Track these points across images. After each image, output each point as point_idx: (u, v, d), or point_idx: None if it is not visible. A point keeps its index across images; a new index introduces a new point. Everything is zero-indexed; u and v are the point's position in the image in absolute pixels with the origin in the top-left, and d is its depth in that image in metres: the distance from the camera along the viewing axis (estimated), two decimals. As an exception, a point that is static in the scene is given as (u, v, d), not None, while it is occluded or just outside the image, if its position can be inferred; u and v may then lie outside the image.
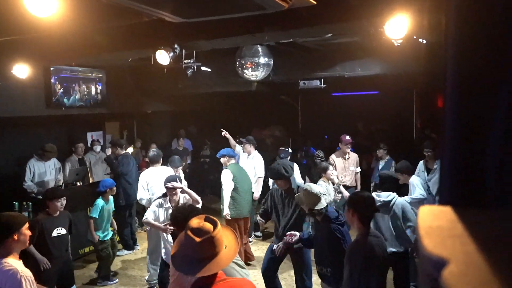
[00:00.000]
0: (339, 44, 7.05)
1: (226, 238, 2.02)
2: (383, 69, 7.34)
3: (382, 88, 10.24)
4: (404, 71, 7.43)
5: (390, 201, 4.40)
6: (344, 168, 7.08)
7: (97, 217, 5.61)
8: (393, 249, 4.34)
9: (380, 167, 7.63)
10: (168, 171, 6.05)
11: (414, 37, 4.73)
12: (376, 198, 4.43)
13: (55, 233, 4.61)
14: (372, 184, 7.58)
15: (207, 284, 1.94)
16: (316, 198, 3.69)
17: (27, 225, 2.73)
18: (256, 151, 7.29)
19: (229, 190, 6.06)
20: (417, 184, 5.22)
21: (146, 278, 5.69)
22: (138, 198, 5.98)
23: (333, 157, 7.19)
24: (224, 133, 7.36)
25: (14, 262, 2.58)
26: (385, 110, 10.84)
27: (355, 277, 2.93)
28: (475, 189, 0.94)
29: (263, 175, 7.08)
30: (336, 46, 7.23)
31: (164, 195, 4.88)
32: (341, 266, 3.32)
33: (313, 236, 4.03)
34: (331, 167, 6.25)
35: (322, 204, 3.71)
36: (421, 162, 6.48)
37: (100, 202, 5.69)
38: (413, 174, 5.25)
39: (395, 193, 4.49)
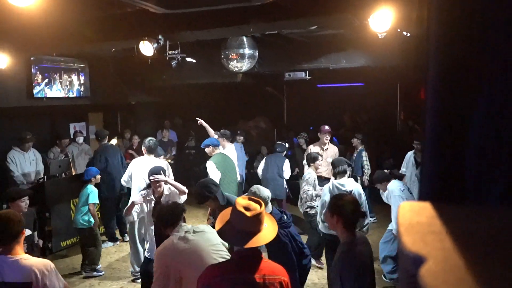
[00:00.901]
0: (324, 36, 7.06)
1: (267, 217, 2.30)
2: (367, 61, 7.39)
3: (367, 80, 10.33)
4: (388, 64, 7.50)
5: (352, 190, 4.63)
6: (321, 158, 7.02)
7: (98, 202, 5.69)
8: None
9: (354, 156, 7.74)
10: (159, 162, 6.04)
11: (398, 30, 4.76)
12: (340, 187, 4.68)
13: (27, 233, 4.49)
14: (365, 176, 7.62)
15: (252, 256, 2.21)
16: (264, 202, 3.34)
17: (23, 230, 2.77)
18: (232, 144, 7.29)
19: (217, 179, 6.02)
20: (392, 189, 5.11)
21: (131, 270, 5.69)
22: (121, 181, 5.99)
23: (311, 147, 7.17)
24: (200, 122, 7.16)
25: (29, 256, 2.64)
26: (370, 101, 10.95)
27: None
28: (454, 184, 0.96)
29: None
30: (321, 38, 7.24)
31: (149, 187, 4.85)
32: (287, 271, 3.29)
33: None
34: (320, 158, 6.27)
35: (269, 208, 3.52)
36: (410, 154, 6.56)
37: (93, 188, 5.74)
38: (391, 180, 5.23)
39: (352, 179, 4.83)
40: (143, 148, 6.03)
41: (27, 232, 4.50)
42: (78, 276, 5.80)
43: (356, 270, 2.64)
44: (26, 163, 6.76)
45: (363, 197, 4.67)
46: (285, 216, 3.48)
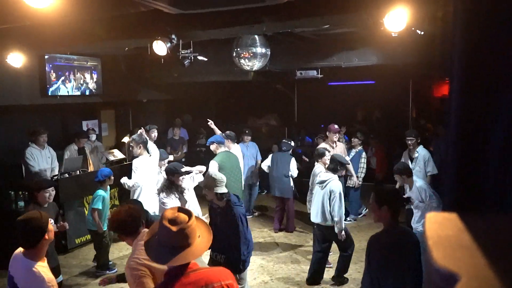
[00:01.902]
0: (336, 34, 7.03)
1: (199, 229, 2.06)
2: (380, 59, 7.33)
3: (379, 78, 10.25)
4: (401, 61, 7.43)
5: (325, 180, 5.11)
6: (329, 155, 7.03)
7: (100, 208, 5.60)
8: (321, 221, 5.17)
9: (351, 156, 7.68)
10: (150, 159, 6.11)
11: (413, 28, 4.71)
12: (321, 175, 5.28)
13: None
14: (358, 175, 7.60)
15: (178, 274, 1.98)
16: (217, 182, 3.91)
17: (50, 221, 2.76)
18: (237, 145, 7.32)
19: None
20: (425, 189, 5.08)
21: None
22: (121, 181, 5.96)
23: (320, 146, 7.18)
24: (210, 123, 7.29)
25: (43, 269, 2.60)
26: (381, 100, 10.87)
27: (374, 268, 2.96)
28: (477, 194, 0.95)
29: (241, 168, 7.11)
30: (333, 36, 7.20)
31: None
32: (236, 252, 3.87)
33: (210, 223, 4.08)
34: (327, 153, 6.30)
35: (223, 189, 3.95)
36: (404, 152, 6.56)
37: (101, 192, 5.68)
38: (412, 175, 5.17)
39: (334, 175, 5.13)
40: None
41: (51, 221, 4.62)
42: (91, 273, 5.88)
43: (380, 252, 2.92)
44: (43, 159, 6.83)
45: (336, 193, 5.02)
46: (237, 199, 4.08)
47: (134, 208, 2.89)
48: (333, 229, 5.12)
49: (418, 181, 5.13)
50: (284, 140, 7.59)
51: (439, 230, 0.75)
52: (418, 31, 5.21)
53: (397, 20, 3.66)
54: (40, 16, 3.85)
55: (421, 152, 6.31)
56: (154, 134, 7.44)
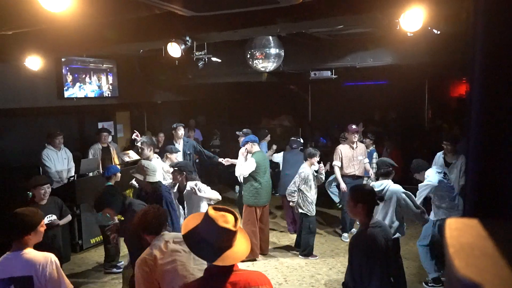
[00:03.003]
0: (350, 35, 6.98)
1: (240, 232, 2.07)
2: (395, 59, 7.24)
3: (393, 78, 10.15)
4: (416, 61, 7.34)
5: (382, 190, 4.53)
6: (352, 157, 6.95)
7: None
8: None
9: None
10: (158, 162, 6.16)
11: (429, 27, 4.64)
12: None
13: (45, 220, 4.59)
14: (371, 178, 7.51)
15: (224, 272, 1.99)
16: (149, 171, 4.42)
17: (43, 222, 2.82)
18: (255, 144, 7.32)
19: (245, 175, 6.07)
20: (428, 175, 5.15)
21: None
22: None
23: (340, 147, 7.12)
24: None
25: (32, 250, 2.68)
26: (396, 100, 10.76)
27: (356, 267, 3.02)
28: (499, 199, 0.92)
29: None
30: (347, 37, 7.15)
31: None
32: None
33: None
34: (318, 154, 6.27)
35: (155, 178, 4.53)
36: (439, 154, 6.18)
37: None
38: (428, 168, 5.14)
39: (388, 180, 4.60)
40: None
41: (53, 217, 4.69)
42: (101, 272, 5.95)
43: (363, 249, 2.99)
44: (59, 161, 6.94)
45: (401, 195, 4.50)
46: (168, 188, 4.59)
47: (162, 210, 3.01)
48: (396, 243, 4.50)
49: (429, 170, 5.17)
50: (293, 138, 7.56)
51: (460, 237, 0.73)
52: (434, 31, 5.14)
53: (413, 20, 3.60)
54: (56, 20, 3.90)
55: (461, 160, 5.86)
56: (181, 132, 7.55)
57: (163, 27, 4.57)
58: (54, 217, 4.79)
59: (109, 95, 8.61)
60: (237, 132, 7.28)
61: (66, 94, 7.66)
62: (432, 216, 5.22)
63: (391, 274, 3.14)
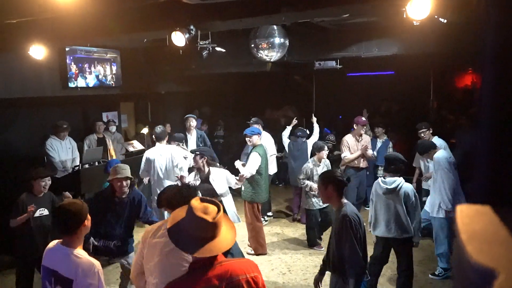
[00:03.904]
0: (356, 24, 6.91)
1: (224, 222, 2.05)
2: (400, 49, 7.18)
3: (399, 69, 10.07)
4: (422, 51, 7.26)
5: (396, 187, 4.38)
6: (357, 149, 7.02)
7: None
8: (395, 235, 4.41)
9: (378, 147, 7.60)
10: (172, 149, 6.15)
11: (435, 16, 4.58)
12: (381, 184, 4.48)
13: (37, 213, 4.60)
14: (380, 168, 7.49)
15: (206, 265, 1.97)
16: (120, 169, 4.26)
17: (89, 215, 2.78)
18: (265, 132, 7.31)
19: (254, 172, 5.90)
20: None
21: None
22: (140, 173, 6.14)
23: (346, 138, 7.13)
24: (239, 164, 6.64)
25: (84, 253, 2.64)
26: (401, 90, 10.69)
27: (353, 247, 3.10)
28: (510, 186, 0.91)
29: (275, 153, 7.13)
30: (352, 26, 7.08)
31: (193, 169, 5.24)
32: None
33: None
34: (326, 148, 6.26)
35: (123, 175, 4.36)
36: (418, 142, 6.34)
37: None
38: (436, 148, 5.17)
39: (401, 178, 4.45)
40: (153, 137, 6.16)
41: (45, 212, 4.67)
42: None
43: (351, 223, 3.09)
44: (63, 150, 6.97)
45: (412, 197, 4.41)
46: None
47: (185, 187, 3.06)
48: (406, 242, 4.50)
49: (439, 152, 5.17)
50: (298, 127, 7.59)
51: (473, 223, 0.72)
52: (441, 19, 5.08)
53: (420, 8, 3.56)
54: (61, 9, 3.88)
55: (437, 142, 6.09)
56: (193, 123, 7.68)
57: (167, 16, 4.54)
58: (46, 211, 4.71)
59: (113, 85, 8.59)
60: (248, 122, 7.27)
61: (70, 84, 7.66)
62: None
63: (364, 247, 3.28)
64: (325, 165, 6.29)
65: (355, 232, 3.10)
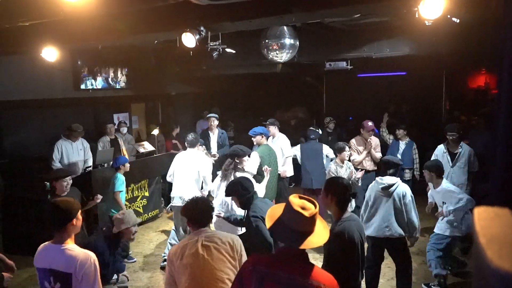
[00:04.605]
0: (367, 24, 6.85)
1: (319, 219, 2.21)
2: (412, 49, 7.11)
3: (411, 69, 9.98)
4: (434, 51, 7.19)
5: (392, 186, 4.37)
6: (348, 149, 6.86)
7: (123, 189, 5.80)
8: (388, 235, 4.38)
9: (402, 149, 7.44)
10: (199, 154, 6.14)
11: (448, 16, 4.52)
12: (378, 181, 4.51)
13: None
14: (415, 167, 7.30)
15: (297, 257, 2.13)
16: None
17: (80, 210, 2.81)
18: (282, 134, 7.21)
19: (254, 172, 5.85)
20: (455, 193, 4.91)
21: (163, 254, 5.84)
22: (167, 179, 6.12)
23: (353, 141, 7.01)
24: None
25: (75, 247, 2.68)
26: (413, 91, 10.60)
27: (331, 263, 2.93)
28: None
29: (291, 155, 7.02)
30: (363, 26, 7.02)
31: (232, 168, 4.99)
32: None
33: None
34: (347, 148, 6.19)
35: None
36: (441, 145, 6.17)
37: (120, 176, 5.86)
38: (442, 176, 4.94)
39: (398, 178, 4.47)
40: (186, 143, 6.12)
41: None
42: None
43: (340, 244, 2.89)
44: (74, 152, 6.98)
45: (408, 197, 4.38)
46: None
47: (207, 205, 3.07)
48: (400, 242, 4.46)
49: (450, 186, 4.95)
50: (311, 128, 7.41)
51: (492, 227, 0.70)
52: (454, 19, 5.01)
53: (432, 8, 3.51)
54: (72, 11, 3.91)
55: (465, 148, 5.95)
56: (214, 122, 7.72)
57: (177, 17, 4.55)
58: None
59: (124, 87, 8.65)
60: (264, 123, 7.22)
61: (82, 85, 7.73)
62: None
63: (363, 268, 3.08)
64: (347, 166, 6.21)
65: (349, 254, 2.91)
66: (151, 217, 7.68)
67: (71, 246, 2.65)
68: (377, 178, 4.58)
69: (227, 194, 3.97)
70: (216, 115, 8.01)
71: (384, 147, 7.60)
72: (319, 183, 6.79)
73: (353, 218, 3.08)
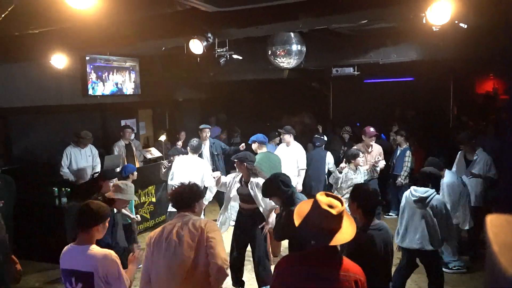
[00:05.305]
0: (374, 30, 6.85)
1: (346, 216, 2.25)
2: (419, 55, 7.09)
3: (418, 74, 9.94)
4: (441, 57, 7.16)
5: (427, 197, 4.28)
6: (365, 161, 6.70)
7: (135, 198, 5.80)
8: (420, 247, 4.30)
9: (397, 154, 7.45)
10: (202, 162, 6.14)
11: (456, 21, 4.50)
12: (412, 192, 4.39)
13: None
14: (403, 178, 7.31)
15: (328, 253, 2.19)
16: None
17: (108, 218, 2.85)
18: (296, 143, 7.14)
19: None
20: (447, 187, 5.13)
21: None
22: (169, 182, 6.09)
23: (354, 148, 6.97)
24: None
25: (95, 247, 2.73)
26: (420, 96, 10.54)
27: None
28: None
29: (305, 167, 6.92)
30: (370, 32, 7.02)
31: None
32: None
33: None
34: (361, 154, 6.18)
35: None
36: (460, 153, 6.25)
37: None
38: (443, 168, 5.08)
39: (433, 190, 4.35)
40: (188, 148, 6.13)
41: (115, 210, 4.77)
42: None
43: (360, 252, 2.77)
44: (82, 158, 7.05)
45: (443, 209, 4.30)
46: None
47: (191, 188, 3.02)
48: (432, 255, 4.36)
49: (448, 177, 5.15)
50: (316, 136, 7.45)
51: (504, 234, 0.69)
52: (461, 24, 4.99)
53: (440, 13, 3.50)
54: (81, 18, 3.95)
55: (481, 155, 5.93)
56: (205, 133, 7.72)
57: (185, 24, 4.58)
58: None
59: (132, 93, 8.71)
60: (280, 130, 7.18)
61: (90, 92, 7.79)
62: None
63: (389, 279, 3.02)
64: (362, 172, 6.20)
65: (369, 264, 2.78)
66: (158, 223, 7.68)
67: (91, 247, 2.71)
68: (411, 189, 4.48)
69: (267, 196, 3.85)
70: (209, 126, 7.99)
71: (390, 153, 7.59)
72: (318, 190, 6.76)
73: (380, 227, 3.02)
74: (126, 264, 2.99)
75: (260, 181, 4.66)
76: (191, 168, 5.97)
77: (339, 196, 2.31)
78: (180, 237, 2.78)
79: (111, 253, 2.71)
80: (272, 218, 4.73)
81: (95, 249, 2.70)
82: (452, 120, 10.65)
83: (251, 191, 4.75)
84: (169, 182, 6.10)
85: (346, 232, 2.20)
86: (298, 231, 2.26)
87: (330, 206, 2.15)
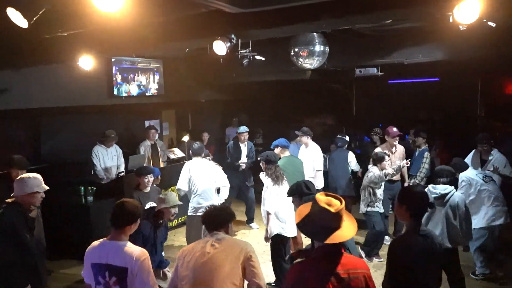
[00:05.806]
0: (398, 30, 6.73)
1: (346, 215, 2.32)
2: (445, 55, 6.94)
3: (444, 75, 9.74)
4: (468, 57, 6.99)
5: (447, 194, 4.29)
6: (390, 162, 6.57)
7: (179, 202, 5.89)
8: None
9: (415, 155, 7.33)
10: (210, 163, 6.17)
11: (484, 20, 4.39)
12: (431, 190, 4.39)
13: (146, 206, 4.84)
14: (417, 178, 7.17)
15: (334, 253, 2.26)
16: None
17: (140, 216, 2.97)
18: (314, 143, 7.13)
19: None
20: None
21: None
22: (176, 188, 6.04)
23: (377, 150, 6.88)
24: None
25: (131, 244, 2.85)
26: (446, 98, 10.33)
27: (392, 273, 2.83)
28: None
29: (321, 168, 6.94)
30: (395, 32, 6.90)
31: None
32: None
33: None
34: (387, 158, 6.12)
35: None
36: (474, 152, 6.28)
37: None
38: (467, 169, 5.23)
39: (452, 187, 4.38)
40: (191, 152, 6.16)
41: (153, 205, 4.81)
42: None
43: (402, 256, 2.75)
44: (108, 157, 7.24)
45: (462, 207, 4.28)
46: None
47: (220, 210, 3.15)
48: (451, 253, 4.22)
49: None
50: (338, 136, 7.41)
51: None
52: (490, 23, 4.86)
53: (468, 12, 3.42)
54: (108, 21, 4.04)
55: (496, 155, 5.95)
56: (243, 136, 7.93)
57: (208, 25, 4.63)
58: (154, 204, 4.93)
59: (156, 94, 8.85)
60: (296, 132, 7.20)
61: (116, 92, 7.95)
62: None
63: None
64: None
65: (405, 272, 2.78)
66: (181, 223, 7.77)
67: (127, 243, 2.82)
68: (429, 187, 4.48)
69: (289, 194, 4.09)
70: (247, 129, 8.08)
71: (409, 154, 7.46)
72: (342, 190, 6.86)
73: (429, 235, 2.90)
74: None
75: (262, 175, 4.97)
76: (206, 171, 5.98)
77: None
78: (214, 250, 2.86)
79: (145, 252, 2.80)
80: (269, 226, 4.97)
81: (131, 246, 2.80)
82: (479, 121, 10.40)
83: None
84: (182, 187, 5.94)
85: (346, 231, 2.26)
86: (298, 228, 2.38)
87: (329, 205, 2.24)
